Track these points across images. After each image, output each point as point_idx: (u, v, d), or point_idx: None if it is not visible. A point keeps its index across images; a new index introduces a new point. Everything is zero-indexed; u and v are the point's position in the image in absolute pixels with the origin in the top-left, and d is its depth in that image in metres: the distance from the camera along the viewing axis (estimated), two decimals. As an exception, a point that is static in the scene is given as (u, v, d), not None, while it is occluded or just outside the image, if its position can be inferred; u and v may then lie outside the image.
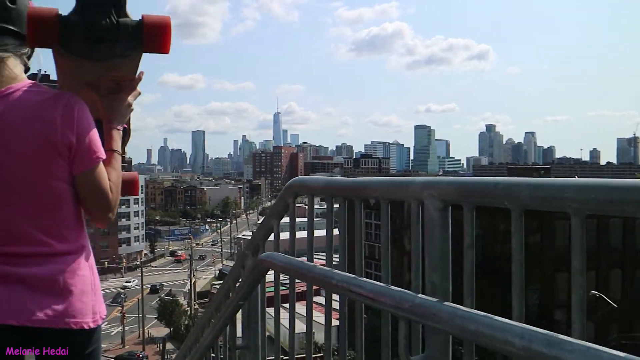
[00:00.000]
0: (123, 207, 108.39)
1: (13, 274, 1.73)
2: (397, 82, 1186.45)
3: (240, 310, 3.07)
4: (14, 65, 1.84)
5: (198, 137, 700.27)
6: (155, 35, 1.66)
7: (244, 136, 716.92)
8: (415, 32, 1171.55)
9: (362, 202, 1.99)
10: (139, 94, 2.15)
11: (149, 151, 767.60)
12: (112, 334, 59.20)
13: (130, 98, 2.11)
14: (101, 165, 1.87)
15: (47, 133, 1.74)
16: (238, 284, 3.28)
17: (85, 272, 1.90)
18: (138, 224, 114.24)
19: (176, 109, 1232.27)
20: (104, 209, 1.91)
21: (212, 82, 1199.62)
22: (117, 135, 2.07)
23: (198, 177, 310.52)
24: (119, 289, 74.10)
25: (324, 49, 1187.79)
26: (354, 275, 1.90)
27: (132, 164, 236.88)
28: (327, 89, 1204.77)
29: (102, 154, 1.88)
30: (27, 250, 1.77)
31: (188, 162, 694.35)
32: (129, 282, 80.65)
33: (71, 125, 1.77)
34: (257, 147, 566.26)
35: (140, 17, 1.69)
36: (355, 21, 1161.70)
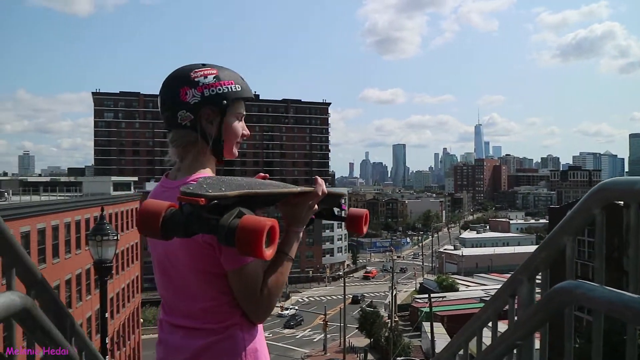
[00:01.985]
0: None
1: (164, 340, 2.01)
2: (608, 88, 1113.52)
3: (515, 350, 2.58)
4: (190, 156, 2.00)
5: (399, 151, 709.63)
6: (244, 240, 1.62)
7: (444, 149, 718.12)
8: (629, 32, 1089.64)
9: None
10: (325, 194, 2.07)
11: (351, 164, 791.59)
12: (315, 340, 60.61)
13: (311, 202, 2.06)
14: (249, 267, 1.85)
15: None
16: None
17: (223, 352, 1.92)
18: (341, 235, 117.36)
19: (377, 123, 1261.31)
20: (250, 311, 1.92)
21: (412, 96, 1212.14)
22: (294, 237, 2.02)
23: (399, 190, 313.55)
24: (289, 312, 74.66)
25: (526, 57, 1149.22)
26: None
27: (335, 177, 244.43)
28: (530, 98, 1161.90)
29: (246, 258, 1.84)
30: (180, 323, 1.95)
31: (389, 175, 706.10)
32: (287, 309, 77.23)
33: None
34: (458, 160, 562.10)
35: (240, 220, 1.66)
36: (559, 25, 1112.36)
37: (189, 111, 1.91)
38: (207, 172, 1.96)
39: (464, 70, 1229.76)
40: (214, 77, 1.93)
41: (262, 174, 2.12)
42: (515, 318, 2.62)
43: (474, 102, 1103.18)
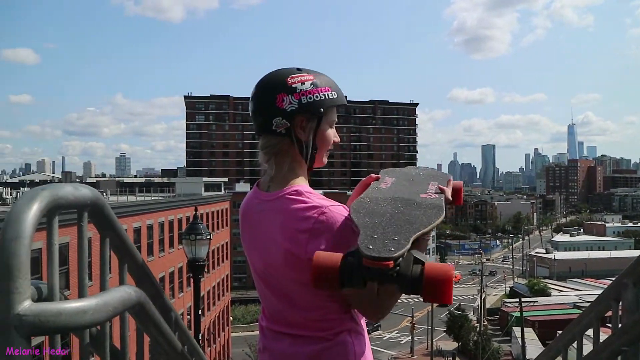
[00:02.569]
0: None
1: (269, 347, 2.00)
2: None
3: (620, 357, 2.50)
4: (284, 166, 1.93)
5: (488, 151, 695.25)
6: (435, 289, 1.59)
7: (536, 149, 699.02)
8: None
9: None
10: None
11: (439, 166, 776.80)
12: (402, 342, 60.32)
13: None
14: None
15: (291, 248, 1.80)
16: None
17: (335, 358, 1.91)
18: (429, 237, 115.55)
19: (466, 123, 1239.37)
20: (370, 313, 1.90)
21: (501, 95, 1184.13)
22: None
23: (488, 192, 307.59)
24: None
25: (624, 52, 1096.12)
26: None
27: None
28: (629, 96, 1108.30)
29: None
30: (286, 330, 1.95)
31: (478, 177, 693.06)
32: None
33: (318, 241, 1.76)
34: (551, 161, 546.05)
35: (420, 267, 1.62)
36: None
37: (284, 118, 1.85)
38: (302, 183, 1.91)
39: (556, 68, 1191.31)
40: (311, 84, 1.88)
41: (373, 175, 2.11)
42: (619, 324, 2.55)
43: (567, 100, 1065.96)
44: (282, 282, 1.88)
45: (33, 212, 1.20)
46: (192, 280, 11.17)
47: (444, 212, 1.82)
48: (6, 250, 1.07)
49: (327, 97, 1.91)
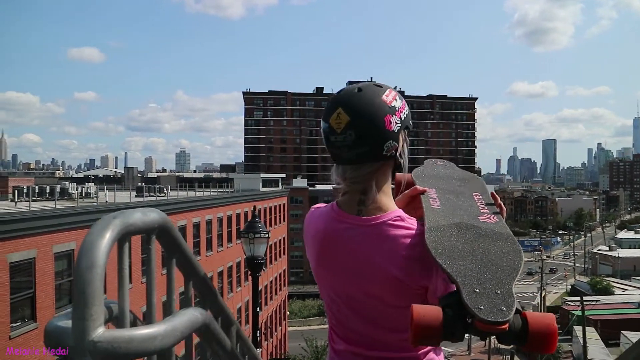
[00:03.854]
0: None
1: None
2: None
3: None
4: (381, 190, 1.82)
5: (549, 146, 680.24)
6: (541, 342, 1.51)
7: (599, 144, 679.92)
8: None
9: None
10: None
11: (498, 161, 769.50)
12: (459, 340, 59.38)
13: None
14: None
15: (401, 277, 1.72)
16: None
17: None
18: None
19: (526, 117, 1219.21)
20: None
21: (564, 89, 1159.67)
22: None
23: (549, 187, 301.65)
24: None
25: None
26: None
27: (482, 173, 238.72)
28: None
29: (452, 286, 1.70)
30: (372, 354, 1.87)
31: (538, 172, 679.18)
32: None
33: (429, 271, 1.71)
34: (615, 156, 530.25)
35: (522, 318, 1.53)
36: None
37: (395, 140, 1.75)
38: (396, 206, 1.83)
39: (622, 59, 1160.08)
40: (399, 98, 1.80)
41: (419, 188, 1.99)
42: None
43: (632, 93, 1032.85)
44: (379, 308, 1.80)
45: (106, 241, 1.25)
46: (250, 275, 11.32)
47: (517, 243, 1.74)
48: (81, 278, 1.15)
49: (409, 109, 1.85)
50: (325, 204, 1.96)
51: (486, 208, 1.88)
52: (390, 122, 1.73)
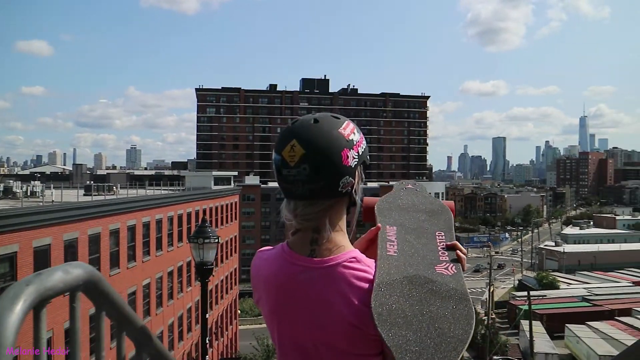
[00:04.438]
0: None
1: None
2: None
3: None
4: (335, 229, 1.71)
5: (499, 144, 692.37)
6: None
7: (547, 142, 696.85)
8: None
9: None
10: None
11: (449, 158, 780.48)
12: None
13: None
14: None
15: (357, 323, 1.59)
16: None
17: None
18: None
19: (477, 115, 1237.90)
20: None
21: (514, 88, 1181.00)
22: None
23: (498, 184, 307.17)
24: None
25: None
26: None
27: (433, 171, 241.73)
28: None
29: None
30: None
31: (488, 169, 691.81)
32: None
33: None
34: (562, 153, 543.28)
35: None
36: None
37: (351, 176, 1.64)
38: (351, 246, 1.72)
39: (570, 60, 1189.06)
40: (357, 131, 1.70)
41: (378, 227, 1.88)
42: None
43: (580, 93, 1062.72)
44: (333, 356, 1.66)
45: (15, 315, 1.10)
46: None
47: (470, 305, 1.60)
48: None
49: (366, 144, 1.74)
50: (273, 247, 1.83)
51: (446, 254, 1.75)
52: (348, 157, 1.62)
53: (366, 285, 1.59)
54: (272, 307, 1.73)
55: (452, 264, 1.69)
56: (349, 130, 1.66)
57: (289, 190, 1.64)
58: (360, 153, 1.66)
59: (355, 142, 1.65)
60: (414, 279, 1.60)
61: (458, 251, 1.75)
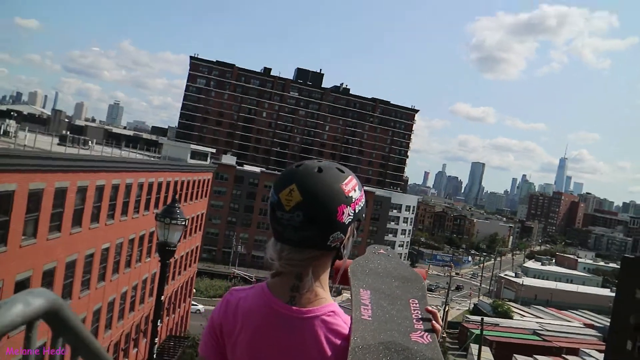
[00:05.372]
0: (392, 223, 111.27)
1: None
2: None
3: None
4: (318, 280, 1.73)
5: (477, 169, 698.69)
6: None
7: (524, 175, 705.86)
8: None
9: None
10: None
11: (427, 173, 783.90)
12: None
13: None
14: None
15: None
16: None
17: None
18: (403, 242, 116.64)
19: (462, 138, 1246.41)
20: None
21: (503, 118, 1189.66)
22: None
23: (470, 208, 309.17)
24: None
25: (635, 102, 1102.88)
26: None
27: (408, 183, 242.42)
28: (628, 143, 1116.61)
29: None
30: None
31: (462, 191, 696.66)
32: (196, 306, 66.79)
33: None
34: (536, 189, 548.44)
35: None
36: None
37: (343, 232, 1.64)
38: (331, 299, 1.71)
39: (563, 102, 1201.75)
40: (359, 188, 1.68)
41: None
42: None
43: (565, 135, 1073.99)
44: None
45: None
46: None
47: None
48: None
49: (365, 201, 1.72)
50: (249, 287, 1.80)
51: (421, 323, 1.71)
52: (343, 213, 1.61)
53: (343, 342, 1.59)
54: (243, 350, 1.69)
55: (427, 333, 1.68)
56: (351, 186, 1.66)
57: (279, 232, 1.65)
58: (356, 211, 1.66)
59: (353, 200, 1.65)
60: (390, 345, 1.60)
61: (434, 322, 1.73)
